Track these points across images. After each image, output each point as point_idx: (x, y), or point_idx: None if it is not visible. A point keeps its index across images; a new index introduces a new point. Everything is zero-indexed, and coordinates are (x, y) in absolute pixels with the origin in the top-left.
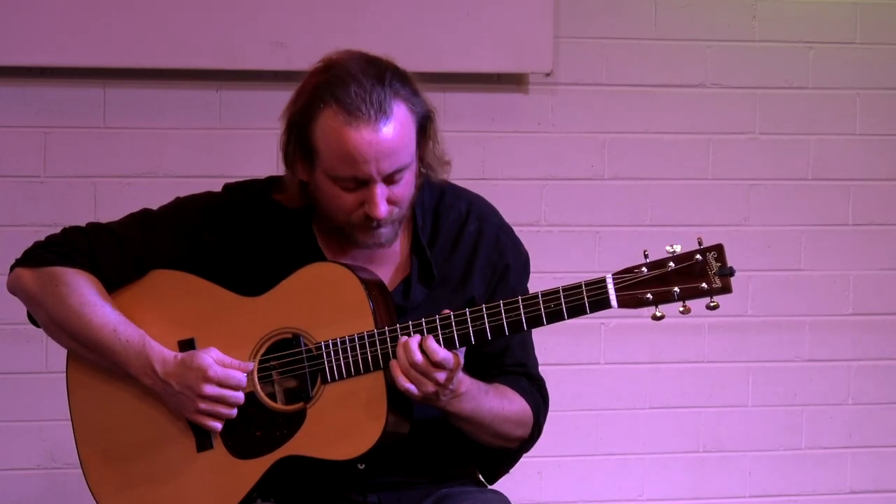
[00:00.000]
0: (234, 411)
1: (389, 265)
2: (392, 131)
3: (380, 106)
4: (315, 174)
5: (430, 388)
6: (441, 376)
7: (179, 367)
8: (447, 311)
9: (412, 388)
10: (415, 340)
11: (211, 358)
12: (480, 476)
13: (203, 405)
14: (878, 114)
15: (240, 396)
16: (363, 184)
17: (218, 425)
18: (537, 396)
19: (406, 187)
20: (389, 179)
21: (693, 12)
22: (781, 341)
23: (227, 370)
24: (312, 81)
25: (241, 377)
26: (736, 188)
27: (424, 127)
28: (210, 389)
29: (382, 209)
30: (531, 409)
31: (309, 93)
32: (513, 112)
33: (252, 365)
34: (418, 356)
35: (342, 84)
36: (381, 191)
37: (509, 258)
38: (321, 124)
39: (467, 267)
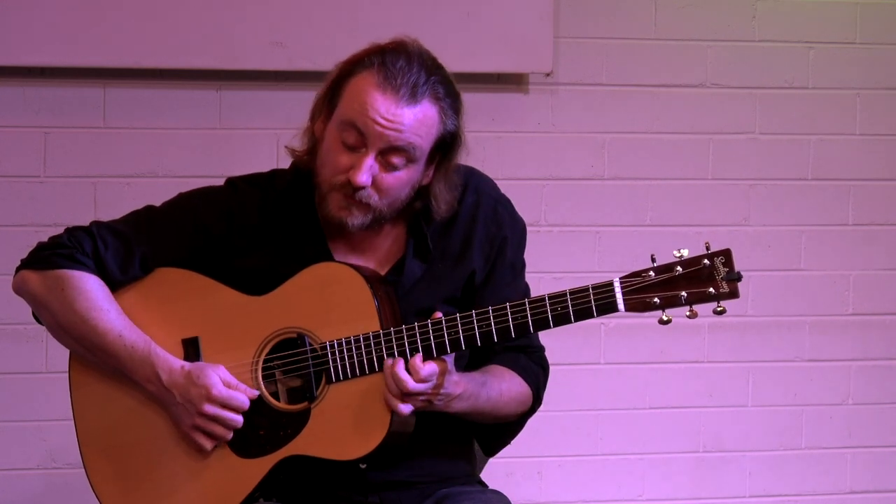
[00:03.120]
0: (230, 434)
1: (386, 242)
2: (411, 116)
3: (413, 89)
4: (328, 125)
5: (420, 403)
6: (426, 388)
7: (184, 379)
8: (438, 314)
9: (409, 407)
10: (400, 367)
11: (218, 377)
12: (482, 465)
13: (200, 421)
14: (878, 114)
15: (238, 419)
16: (361, 145)
17: (209, 444)
18: (537, 370)
19: (396, 181)
20: (385, 160)
21: (693, 12)
22: (781, 341)
23: (230, 391)
24: (377, 44)
25: (243, 400)
26: (736, 188)
27: (447, 146)
28: (210, 409)
29: (363, 178)
30: (531, 388)
31: (369, 49)
32: (513, 112)
33: (258, 392)
34: (412, 383)
35: (395, 55)
36: (370, 161)
37: (507, 230)
38: (358, 78)
39: (466, 240)
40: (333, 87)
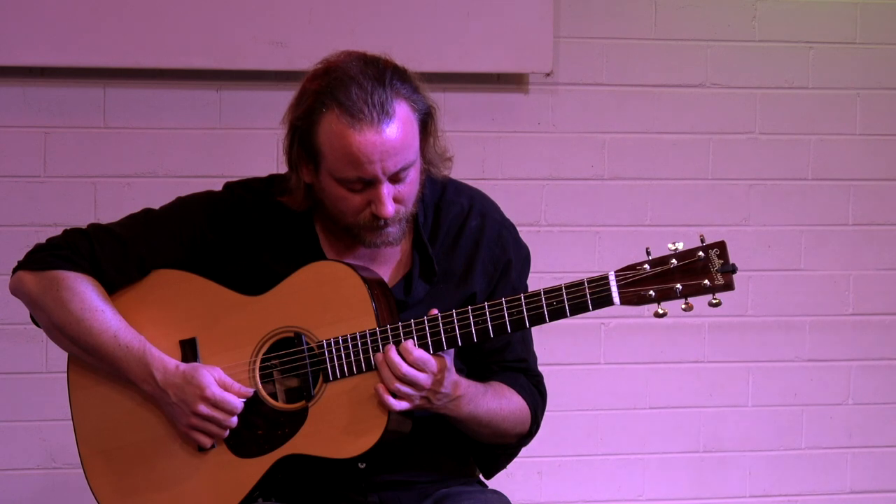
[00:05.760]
0: (226, 432)
1: (391, 261)
2: (395, 131)
3: (382, 107)
4: (320, 177)
5: (417, 398)
6: (423, 378)
7: (179, 379)
8: (434, 311)
9: (404, 405)
10: (393, 350)
11: (212, 377)
12: (480, 476)
13: (195, 421)
14: (878, 114)
15: (232, 421)
16: (369, 184)
17: (207, 441)
18: (535, 393)
19: (411, 185)
20: (395, 178)
21: (693, 12)
22: (781, 341)
23: (224, 394)
24: (313, 86)
25: (236, 403)
26: (736, 188)
27: (426, 123)
28: (204, 409)
29: (389, 208)
30: (529, 407)
31: (310, 97)
32: (513, 112)
33: (252, 391)
34: (405, 367)
35: (343, 87)
36: (387, 190)
37: (511, 254)
38: (324, 128)
39: (469, 262)
40: (301, 141)
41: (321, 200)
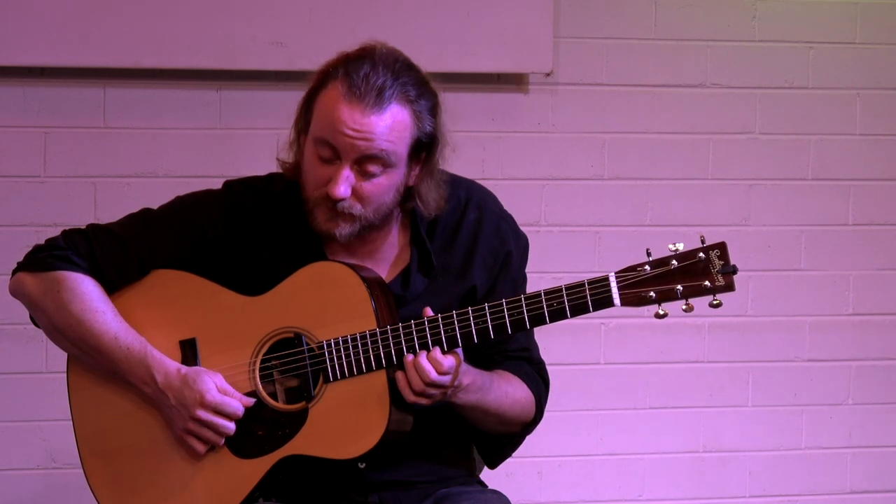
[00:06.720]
0: (222, 440)
1: (389, 257)
2: (381, 122)
3: (379, 93)
4: (306, 139)
5: (438, 395)
6: (447, 380)
7: (179, 382)
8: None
9: (423, 401)
10: (423, 358)
11: (213, 383)
12: (481, 476)
13: (192, 426)
14: (878, 114)
15: (231, 427)
16: (336, 156)
17: (202, 448)
18: (539, 381)
19: (377, 188)
20: (362, 169)
21: (693, 12)
22: (781, 341)
23: (223, 397)
24: (340, 56)
25: (237, 407)
26: (736, 188)
27: (426, 147)
28: (203, 414)
29: (340, 190)
30: (533, 395)
31: (332, 62)
32: (513, 112)
33: (253, 401)
34: (434, 374)
35: (359, 63)
36: (346, 173)
37: (511, 245)
38: (326, 91)
39: (468, 255)
40: (307, 102)
41: (300, 168)
